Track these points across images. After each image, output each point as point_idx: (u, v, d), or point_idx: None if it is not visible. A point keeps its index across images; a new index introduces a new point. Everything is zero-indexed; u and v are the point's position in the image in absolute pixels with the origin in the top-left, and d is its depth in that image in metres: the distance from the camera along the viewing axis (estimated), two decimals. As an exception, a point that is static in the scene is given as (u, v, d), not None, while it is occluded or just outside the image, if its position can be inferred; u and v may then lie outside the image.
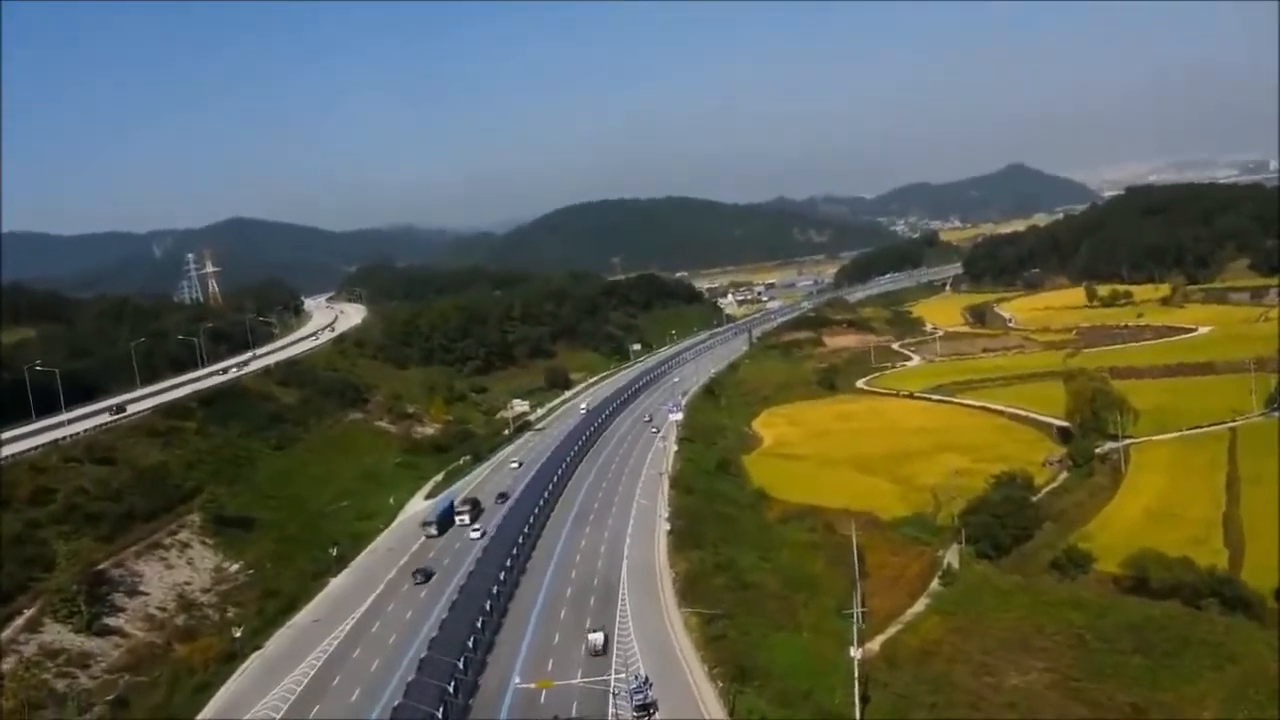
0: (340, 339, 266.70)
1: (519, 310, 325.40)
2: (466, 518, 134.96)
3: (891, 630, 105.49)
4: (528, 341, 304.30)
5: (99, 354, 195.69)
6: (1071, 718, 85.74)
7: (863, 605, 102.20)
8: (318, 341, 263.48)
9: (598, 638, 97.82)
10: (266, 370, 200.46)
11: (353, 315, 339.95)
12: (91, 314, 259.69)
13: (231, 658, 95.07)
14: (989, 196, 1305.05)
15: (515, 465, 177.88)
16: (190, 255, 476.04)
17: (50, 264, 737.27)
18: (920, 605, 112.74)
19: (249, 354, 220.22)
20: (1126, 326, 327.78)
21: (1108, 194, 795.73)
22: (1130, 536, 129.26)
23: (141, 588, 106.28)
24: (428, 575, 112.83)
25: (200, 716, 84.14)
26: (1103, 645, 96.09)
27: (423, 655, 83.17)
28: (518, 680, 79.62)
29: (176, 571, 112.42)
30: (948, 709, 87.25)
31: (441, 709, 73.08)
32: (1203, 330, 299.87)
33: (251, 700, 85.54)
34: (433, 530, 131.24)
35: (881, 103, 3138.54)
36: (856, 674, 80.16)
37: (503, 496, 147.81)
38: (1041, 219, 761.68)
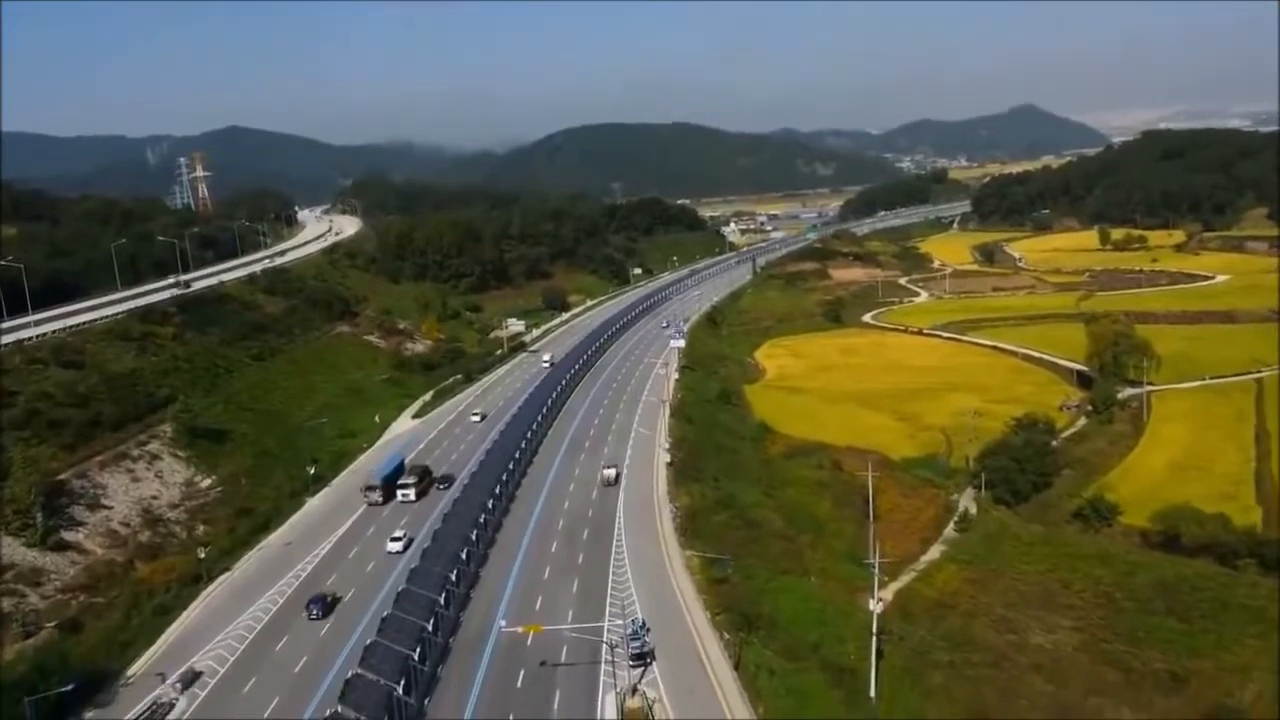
0: (332, 249, 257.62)
1: (517, 229, 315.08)
2: (411, 493, 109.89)
3: (905, 579, 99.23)
4: (525, 261, 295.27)
5: (80, 255, 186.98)
6: (1105, 684, 79.24)
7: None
8: (324, 244, 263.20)
9: (610, 472, 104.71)
10: (251, 277, 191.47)
11: (346, 227, 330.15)
12: (76, 215, 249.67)
13: (197, 580, 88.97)
14: (997, 136, 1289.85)
15: (476, 418, 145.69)
16: (182, 159, 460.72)
17: (48, 164, 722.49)
18: (935, 552, 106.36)
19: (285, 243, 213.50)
20: (1141, 271, 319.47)
21: (1117, 139, 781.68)
22: (1155, 488, 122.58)
23: (104, 501, 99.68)
24: (326, 607, 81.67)
25: (159, 643, 77.60)
26: (1133, 605, 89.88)
27: (401, 588, 76.23)
28: (503, 623, 72.64)
29: (143, 485, 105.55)
30: (968, 668, 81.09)
31: (419, 648, 66.41)
32: (1221, 278, 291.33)
33: (215, 628, 79.75)
34: (376, 497, 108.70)
35: (889, 39, 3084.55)
36: (875, 629, 73.49)
37: (447, 480, 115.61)
38: (1052, 160, 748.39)
